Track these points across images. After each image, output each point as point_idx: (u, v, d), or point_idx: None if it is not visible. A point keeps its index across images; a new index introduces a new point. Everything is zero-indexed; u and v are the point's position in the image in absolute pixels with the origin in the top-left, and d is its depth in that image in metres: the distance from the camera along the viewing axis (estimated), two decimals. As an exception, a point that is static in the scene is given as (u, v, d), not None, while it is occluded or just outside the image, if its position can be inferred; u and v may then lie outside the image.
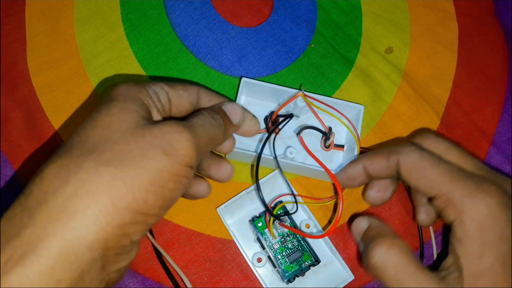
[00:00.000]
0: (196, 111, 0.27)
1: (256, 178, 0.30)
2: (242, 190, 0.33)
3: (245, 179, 0.35)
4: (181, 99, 0.27)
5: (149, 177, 0.21)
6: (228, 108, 0.28)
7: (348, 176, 0.31)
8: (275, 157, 0.31)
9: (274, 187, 0.34)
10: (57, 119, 0.35)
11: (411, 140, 0.29)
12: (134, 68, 0.37)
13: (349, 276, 0.32)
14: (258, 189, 0.30)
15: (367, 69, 0.39)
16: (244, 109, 0.29)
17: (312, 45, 0.39)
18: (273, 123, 0.33)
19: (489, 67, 0.40)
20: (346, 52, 0.39)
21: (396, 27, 0.41)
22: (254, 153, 0.32)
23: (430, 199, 0.27)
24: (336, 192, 0.34)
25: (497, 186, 0.25)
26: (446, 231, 0.34)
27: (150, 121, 0.24)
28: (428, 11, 0.42)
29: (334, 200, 0.34)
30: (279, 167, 0.32)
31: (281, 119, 0.33)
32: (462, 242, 0.24)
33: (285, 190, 0.34)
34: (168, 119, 0.25)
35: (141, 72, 0.37)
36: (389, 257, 0.25)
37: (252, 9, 0.40)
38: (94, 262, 0.20)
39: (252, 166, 0.35)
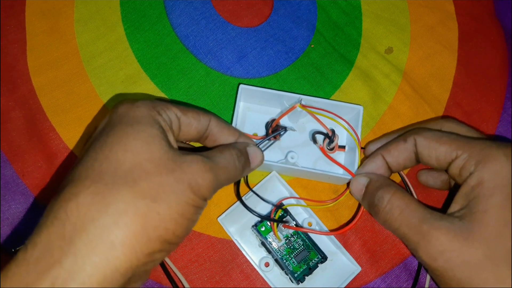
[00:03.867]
0: (223, 145, 0.28)
1: (237, 195, 0.31)
2: (242, 193, 0.33)
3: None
4: (190, 128, 0.28)
5: (179, 209, 0.23)
6: (252, 152, 0.29)
7: (369, 173, 0.32)
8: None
9: (273, 189, 0.34)
10: (57, 119, 0.35)
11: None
12: (134, 68, 0.37)
13: (356, 268, 0.32)
14: (244, 205, 0.31)
15: (367, 69, 0.39)
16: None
17: (312, 45, 0.39)
18: (274, 130, 0.33)
19: (489, 67, 0.40)
20: (346, 52, 0.39)
21: (396, 27, 0.41)
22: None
23: (446, 170, 0.29)
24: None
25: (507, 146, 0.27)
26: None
27: (175, 151, 0.24)
28: (428, 11, 0.42)
29: (335, 202, 0.34)
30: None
31: (280, 129, 0.33)
32: (476, 188, 0.26)
33: (284, 191, 0.34)
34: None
35: (141, 72, 0.37)
36: (394, 201, 0.28)
37: (252, 9, 0.40)
38: (121, 285, 0.21)
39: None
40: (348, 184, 0.34)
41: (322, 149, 0.33)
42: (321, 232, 0.32)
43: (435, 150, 0.29)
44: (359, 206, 0.34)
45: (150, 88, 0.37)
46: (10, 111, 0.35)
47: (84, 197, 0.21)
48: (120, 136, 0.23)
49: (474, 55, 0.41)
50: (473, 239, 0.24)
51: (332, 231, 0.33)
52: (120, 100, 0.26)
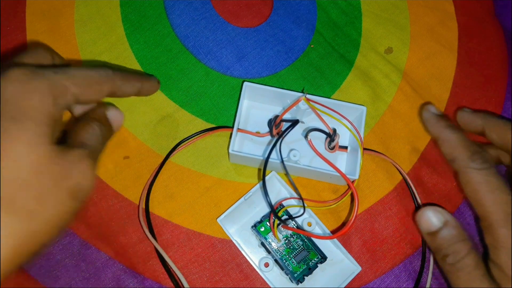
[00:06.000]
0: (84, 122, 0.26)
1: (263, 183, 0.30)
2: (242, 193, 0.33)
3: (244, 179, 0.35)
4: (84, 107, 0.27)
5: (56, 222, 0.21)
6: (113, 115, 0.27)
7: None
8: (283, 163, 0.31)
9: (271, 189, 0.34)
10: (57, 119, 0.35)
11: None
12: (134, 68, 0.37)
13: (356, 268, 0.32)
14: (266, 194, 0.30)
15: (366, 69, 0.39)
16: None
17: (312, 45, 0.39)
18: (277, 127, 0.33)
19: (489, 68, 0.40)
20: (345, 52, 0.39)
21: (396, 27, 0.41)
22: (259, 157, 0.32)
23: None
24: (352, 196, 0.34)
25: None
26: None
27: (59, 150, 0.22)
28: (428, 11, 0.42)
29: (338, 203, 0.34)
30: (287, 172, 0.32)
31: (286, 124, 0.33)
32: None
33: (283, 191, 0.34)
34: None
35: (141, 72, 0.37)
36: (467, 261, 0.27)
37: (252, 9, 0.40)
38: None
39: (259, 169, 0.35)
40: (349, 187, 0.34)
41: (310, 143, 0.33)
42: (322, 237, 0.32)
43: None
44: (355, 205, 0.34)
45: (150, 88, 0.37)
46: (10, 111, 0.35)
47: None
48: (3, 137, 0.20)
49: (474, 55, 0.41)
50: None
51: (329, 235, 0.32)
52: (14, 67, 0.22)
